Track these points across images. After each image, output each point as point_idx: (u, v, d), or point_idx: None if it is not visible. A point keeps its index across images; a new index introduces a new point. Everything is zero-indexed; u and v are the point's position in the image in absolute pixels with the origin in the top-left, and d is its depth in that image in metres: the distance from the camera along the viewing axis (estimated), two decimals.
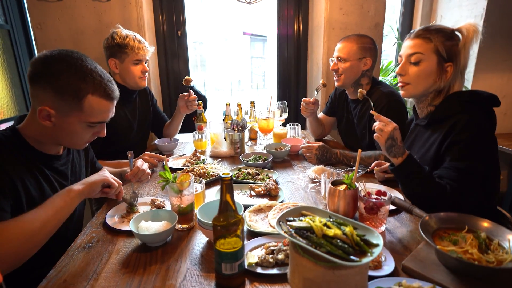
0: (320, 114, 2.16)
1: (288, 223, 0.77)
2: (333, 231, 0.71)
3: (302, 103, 1.94)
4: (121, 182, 1.14)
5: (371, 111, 1.20)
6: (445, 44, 1.16)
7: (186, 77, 1.90)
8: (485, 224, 0.90)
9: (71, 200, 0.98)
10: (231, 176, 0.76)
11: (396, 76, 1.35)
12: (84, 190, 1.02)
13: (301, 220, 0.77)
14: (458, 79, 1.21)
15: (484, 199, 1.16)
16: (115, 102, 1.07)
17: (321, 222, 0.75)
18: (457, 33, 1.18)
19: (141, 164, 1.31)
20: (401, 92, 1.30)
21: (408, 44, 1.24)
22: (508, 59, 2.76)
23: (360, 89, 1.37)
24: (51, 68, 0.95)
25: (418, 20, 3.03)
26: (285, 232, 0.75)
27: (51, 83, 0.95)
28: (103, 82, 1.00)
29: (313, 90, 2.68)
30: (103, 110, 1.03)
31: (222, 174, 0.76)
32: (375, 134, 1.16)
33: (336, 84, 1.81)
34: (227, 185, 0.77)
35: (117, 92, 1.06)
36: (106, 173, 1.11)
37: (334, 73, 1.79)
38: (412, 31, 1.24)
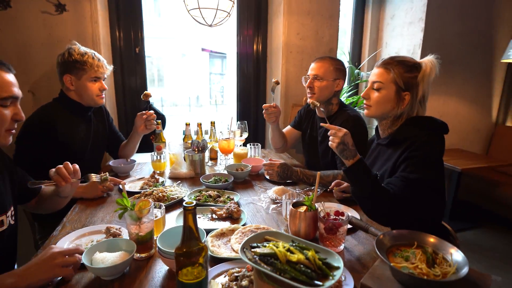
0: (287, 128, 2.19)
1: (252, 249, 0.78)
2: (296, 256, 0.73)
3: (263, 111, 1.89)
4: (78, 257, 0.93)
5: (322, 124, 1.26)
6: (403, 76, 1.26)
7: (145, 91, 1.84)
8: (431, 239, 0.98)
9: None
10: (195, 205, 0.75)
11: (361, 97, 1.43)
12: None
13: (265, 246, 0.78)
14: (417, 108, 1.31)
15: (428, 212, 1.27)
16: (13, 75, 1.05)
17: (284, 247, 0.76)
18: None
19: (52, 170, 1.16)
20: (364, 111, 1.40)
21: (373, 72, 1.35)
22: (443, 83, 3.11)
23: (312, 101, 1.42)
24: None
25: (366, 46, 3.31)
26: (249, 259, 0.75)
27: None
28: None
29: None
30: (6, 82, 1.00)
31: (185, 203, 0.74)
32: (329, 142, 1.23)
33: (309, 101, 1.85)
34: (190, 215, 0.75)
35: (9, 65, 1.04)
36: (56, 264, 0.87)
37: (308, 90, 1.83)
38: (382, 58, 1.35)
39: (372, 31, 3.26)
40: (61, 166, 1.15)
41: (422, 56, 2.82)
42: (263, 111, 1.89)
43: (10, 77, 1.02)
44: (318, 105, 1.40)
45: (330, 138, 1.22)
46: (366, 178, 1.17)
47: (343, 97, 3.25)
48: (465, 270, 0.84)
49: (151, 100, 1.93)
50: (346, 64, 3.26)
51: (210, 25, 1.72)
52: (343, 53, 3.28)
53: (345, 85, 3.27)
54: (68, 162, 1.17)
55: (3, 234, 1.07)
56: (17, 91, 1.03)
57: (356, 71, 3.18)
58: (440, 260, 0.92)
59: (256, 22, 2.71)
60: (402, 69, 1.27)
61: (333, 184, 1.53)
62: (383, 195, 1.16)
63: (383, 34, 3.26)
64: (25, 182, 1.24)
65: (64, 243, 1.09)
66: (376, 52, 3.25)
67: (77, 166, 1.19)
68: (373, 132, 1.51)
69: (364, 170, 1.18)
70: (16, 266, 1.33)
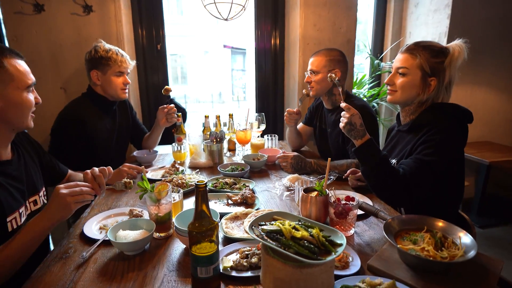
0: (300, 125, 2.25)
1: (260, 227, 0.82)
2: (300, 233, 0.77)
3: (286, 113, 2.02)
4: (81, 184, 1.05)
5: (341, 104, 1.27)
6: (430, 61, 1.26)
7: (166, 86, 1.95)
8: (440, 224, 0.99)
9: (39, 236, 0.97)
10: (206, 183, 0.81)
11: (385, 84, 1.42)
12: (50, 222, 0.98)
13: (272, 224, 0.82)
14: (442, 94, 1.30)
15: (440, 198, 1.26)
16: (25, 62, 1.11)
17: (290, 225, 0.81)
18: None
19: (90, 174, 1.22)
20: (387, 97, 1.41)
21: (398, 58, 1.35)
22: (470, 73, 2.99)
23: (329, 74, 1.45)
24: None
25: (389, 36, 3.23)
26: (256, 235, 0.79)
27: None
28: (3, 46, 1.06)
29: (290, 102, 2.78)
30: (27, 70, 1.08)
31: (197, 181, 0.80)
32: (340, 123, 1.27)
33: (311, 94, 1.92)
34: (202, 192, 0.81)
35: (20, 53, 1.10)
36: (69, 203, 0.98)
37: (308, 85, 1.91)
38: (406, 44, 1.34)
39: (395, 21, 3.18)
40: (99, 173, 1.20)
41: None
42: (285, 113, 2.01)
43: (26, 65, 1.09)
44: (336, 78, 1.42)
45: (341, 119, 1.24)
46: (374, 158, 1.19)
47: (365, 89, 3.21)
48: (472, 253, 0.84)
49: (172, 95, 2.03)
50: (366, 55, 3.21)
51: (226, 19, 1.77)
52: (364, 45, 3.23)
53: (366, 77, 3.22)
54: (105, 167, 1.22)
55: (38, 212, 1.19)
56: (33, 77, 1.11)
57: (377, 61, 3.12)
58: (449, 244, 0.92)
59: (274, 16, 2.73)
60: (429, 54, 1.26)
61: (348, 171, 1.55)
62: (392, 175, 1.17)
63: (407, 23, 3.17)
64: (52, 165, 1.39)
65: (93, 223, 1.20)
66: (399, 41, 3.17)
67: (111, 169, 1.26)
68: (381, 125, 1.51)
69: (373, 149, 1.20)
70: (51, 244, 1.48)
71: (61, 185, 1.00)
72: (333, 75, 1.44)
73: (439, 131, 1.20)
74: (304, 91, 1.99)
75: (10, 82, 1.02)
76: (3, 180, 1.06)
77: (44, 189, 1.29)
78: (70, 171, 1.49)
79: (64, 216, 0.99)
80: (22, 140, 1.26)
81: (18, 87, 1.03)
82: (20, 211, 1.10)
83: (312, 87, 1.88)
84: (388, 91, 1.40)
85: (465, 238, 0.91)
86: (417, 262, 0.87)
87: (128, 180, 1.33)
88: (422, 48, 1.27)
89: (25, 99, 1.06)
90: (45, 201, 1.27)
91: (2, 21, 2.17)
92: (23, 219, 1.11)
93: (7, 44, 2.18)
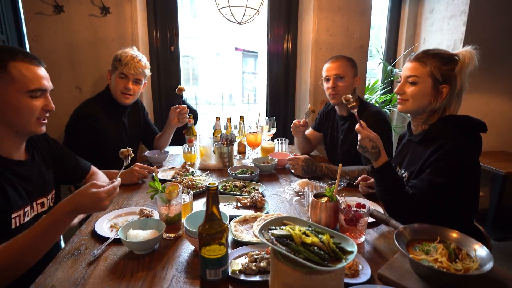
0: (309, 130, 2.23)
1: (270, 231, 0.82)
2: (311, 239, 0.76)
3: (292, 125, 2.00)
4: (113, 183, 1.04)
5: (358, 125, 1.26)
6: (441, 68, 1.24)
7: (179, 86, 1.97)
8: (454, 235, 0.96)
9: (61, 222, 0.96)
10: (217, 186, 0.81)
11: (395, 93, 1.40)
12: (78, 214, 1.01)
13: (282, 229, 0.82)
14: (454, 101, 1.28)
15: (454, 216, 1.23)
16: (43, 68, 1.09)
17: (300, 230, 0.80)
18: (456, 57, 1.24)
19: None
20: (398, 106, 1.38)
21: (407, 67, 1.32)
22: (486, 81, 2.92)
23: (344, 96, 1.38)
24: None
25: (402, 42, 3.20)
26: (266, 239, 0.79)
27: None
28: (18, 49, 1.04)
29: (301, 106, 2.78)
30: (35, 75, 1.04)
31: (209, 184, 0.80)
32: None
33: (332, 101, 1.88)
34: (213, 195, 0.82)
35: (39, 60, 1.08)
36: (106, 204, 1.00)
37: (331, 90, 1.82)
38: (413, 53, 1.32)
39: (409, 27, 3.15)
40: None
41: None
42: (292, 124, 2.00)
43: (41, 71, 1.07)
44: (352, 99, 1.39)
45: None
46: (389, 182, 1.19)
47: (377, 95, 3.18)
48: (488, 266, 0.82)
49: (184, 96, 2.05)
50: (378, 61, 3.18)
51: (240, 23, 1.78)
52: (377, 51, 3.21)
53: (379, 83, 3.20)
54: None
55: (43, 215, 1.17)
56: (46, 83, 1.08)
57: (389, 67, 3.09)
58: (463, 256, 0.90)
59: (287, 20, 2.74)
60: (439, 61, 1.25)
61: (360, 178, 1.53)
62: (407, 199, 1.17)
63: (421, 30, 3.14)
64: (74, 164, 1.41)
65: (104, 221, 1.21)
66: (413, 47, 3.13)
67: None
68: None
69: (388, 173, 1.20)
70: (62, 242, 1.50)
71: (102, 190, 0.98)
72: (350, 96, 1.39)
73: (450, 150, 1.17)
74: (309, 106, 1.97)
75: (11, 84, 1.00)
76: (12, 178, 1.06)
77: (53, 191, 1.28)
78: (93, 169, 1.47)
79: (95, 212, 1.04)
80: (39, 143, 1.25)
81: (18, 90, 1.01)
82: (25, 210, 1.09)
83: (338, 93, 1.80)
84: (398, 100, 1.37)
85: (480, 250, 0.89)
86: (430, 274, 0.86)
87: (126, 148, 1.29)
88: (431, 56, 1.26)
89: (24, 103, 1.03)
90: (52, 205, 1.26)
91: (23, 21, 2.24)
92: (26, 218, 1.10)
93: (27, 44, 2.25)
